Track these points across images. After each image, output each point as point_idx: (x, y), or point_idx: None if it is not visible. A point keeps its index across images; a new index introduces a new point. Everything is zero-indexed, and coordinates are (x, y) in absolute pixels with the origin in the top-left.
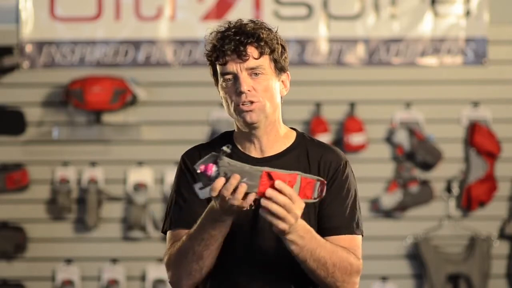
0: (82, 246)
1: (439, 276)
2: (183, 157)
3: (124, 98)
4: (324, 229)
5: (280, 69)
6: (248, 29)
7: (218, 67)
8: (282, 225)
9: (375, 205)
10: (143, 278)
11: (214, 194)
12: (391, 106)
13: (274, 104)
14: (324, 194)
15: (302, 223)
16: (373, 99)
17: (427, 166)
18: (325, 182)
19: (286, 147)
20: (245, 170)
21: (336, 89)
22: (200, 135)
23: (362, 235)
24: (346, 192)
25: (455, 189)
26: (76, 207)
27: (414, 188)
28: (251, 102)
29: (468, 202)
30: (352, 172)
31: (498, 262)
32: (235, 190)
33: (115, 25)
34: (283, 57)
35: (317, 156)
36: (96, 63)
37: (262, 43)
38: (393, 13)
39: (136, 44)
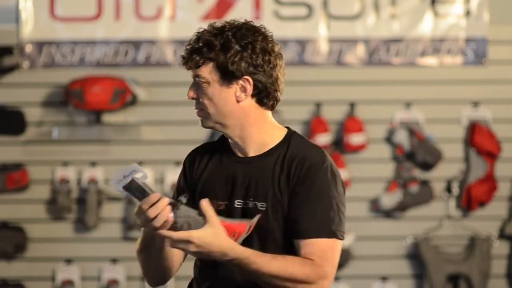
0: (82, 246)
1: (439, 276)
2: (185, 158)
3: (124, 98)
4: (292, 231)
5: (229, 75)
6: (202, 36)
7: None
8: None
9: (375, 205)
10: (143, 278)
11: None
12: (391, 106)
13: (222, 112)
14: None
15: (236, 254)
16: (373, 99)
17: (427, 166)
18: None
19: (269, 148)
20: (199, 221)
21: (336, 89)
22: (200, 135)
23: (340, 239)
24: (318, 194)
25: (455, 189)
26: (76, 207)
27: (414, 188)
28: (199, 110)
29: (468, 202)
30: (334, 174)
31: (498, 262)
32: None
33: (115, 25)
34: (238, 61)
35: (294, 155)
36: (96, 63)
37: (204, 50)
38: (393, 13)
39: (136, 44)
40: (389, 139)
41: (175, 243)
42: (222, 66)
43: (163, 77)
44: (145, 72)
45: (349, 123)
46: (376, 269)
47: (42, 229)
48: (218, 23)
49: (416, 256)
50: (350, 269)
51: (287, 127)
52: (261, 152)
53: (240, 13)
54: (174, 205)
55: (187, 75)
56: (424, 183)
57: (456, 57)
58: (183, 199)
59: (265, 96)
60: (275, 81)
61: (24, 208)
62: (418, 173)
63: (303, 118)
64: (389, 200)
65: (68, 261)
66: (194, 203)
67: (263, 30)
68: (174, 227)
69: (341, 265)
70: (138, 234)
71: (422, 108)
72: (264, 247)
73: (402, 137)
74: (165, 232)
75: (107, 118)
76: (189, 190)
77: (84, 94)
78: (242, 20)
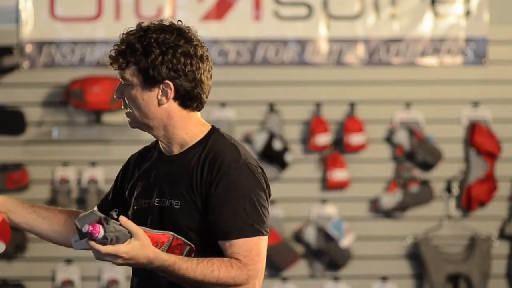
0: None
1: (439, 276)
2: (129, 157)
3: None
4: (214, 234)
5: (151, 79)
6: (126, 38)
7: None
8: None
9: (375, 205)
10: None
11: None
12: (391, 106)
13: (144, 113)
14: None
15: (162, 262)
16: (373, 99)
17: (427, 166)
18: (194, 249)
19: (188, 147)
20: (126, 234)
21: (336, 89)
22: None
23: (264, 235)
24: (235, 193)
25: (455, 189)
26: (76, 207)
27: (414, 188)
28: (126, 110)
29: (468, 202)
30: (252, 170)
31: (498, 262)
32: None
33: (115, 25)
34: (158, 67)
35: (209, 153)
36: (96, 63)
37: (127, 53)
38: (393, 13)
39: None
40: (389, 139)
41: (103, 256)
42: (143, 70)
43: None
44: None
45: (349, 123)
46: (376, 269)
47: None
48: (146, 23)
49: (416, 256)
50: (350, 269)
51: (212, 126)
52: (180, 151)
53: (240, 13)
54: (105, 220)
55: None
56: (424, 183)
57: (456, 57)
58: (114, 214)
59: (188, 99)
60: (199, 84)
61: None
62: (418, 173)
63: (303, 118)
64: (389, 200)
65: (68, 261)
66: (127, 202)
67: (187, 32)
68: (103, 242)
69: (341, 265)
70: None
71: (422, 108)
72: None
73: (402, 137)
74: (94, 245)
75: (107, 118)
76: (117, 194)
77: (84, 94)
78: (168, 22)
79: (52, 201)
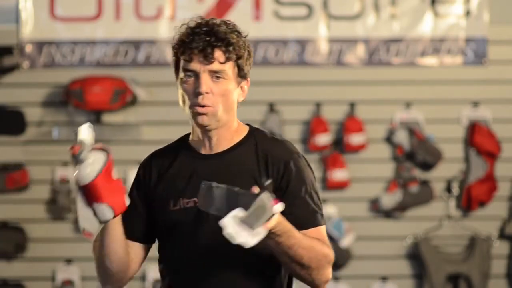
0: (82, 246)
1: (439, 276)
2: (139, 166)
3: (124, 98)
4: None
5: (242, 76)
6: (220, 31)
7: (182, 62)
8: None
9: (375, 205)
10: (143, 278)
11: None
12: (391, 106)
13: (227, 109)
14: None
15: (282, 221)
16: (373, 99)
17: (427, 166)
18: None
19: (235, 143)
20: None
21: (336, 89)
22: None
23: (325, 223)
24: (302, 186)
25: (455, 189)
26: (76, 207)
27: (414, 188)
28: (206, 106)
29: (468, 202)
30: (305, 161)
31: (498, 262)
32: None
33: (115, 25)
34: (248, 64)
35: (265, 150)
36: (96, 63)
37: (230, 49)
38: (393, 13)
39: (136, 44)
40: (389, 139)
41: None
42: (239, 66)
43: (163, 77)
44: (145, 72)
45: (349, 123)
46: (376, 269)
47: (42, 229)
48: (217, 20)
49: (416, 256)
50: (350, 269)
51: (248, 124)
52: (227, 148)
53: (240, 13)
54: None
55: None
56: (424, 183)
57: (456, 57)
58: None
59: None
60: None
61: (24, 208)
62: (418, 173)
63: (303, 118)
64: (389, 200)
65: (68, 261)
66: (155, 208)
67: None
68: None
69: (341, 265)
70: None
71: (422, 108)
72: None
73: (402, 137)
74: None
75: (107, 118)
76: (142, 199)
77: (84, 94)
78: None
79: (52, 201)
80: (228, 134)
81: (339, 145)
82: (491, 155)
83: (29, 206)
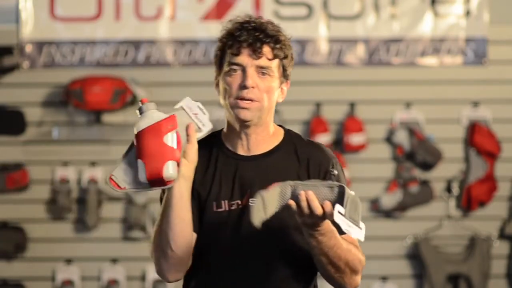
0: (82, 246)
1: (439, 276)
2: None
3: (124, 98)
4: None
5: (285, 76)
6: (269, 29)
7: (228, 55)
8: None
9: (375, 205)
10: (143, 278)
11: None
12: (391, 106)
13: (270, 106)
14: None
15: (327, 222)
16: (373, 99)
17: (427, 166)
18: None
19: (274, 146)
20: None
21: (336, 89)
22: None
23: None
24: None
25: (455, 189)
26: (76, 207)
27: (414, 188)
28: (251, 100)
29: (468, 202)
30: (340, 166)
31: (498, 262)
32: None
33: (115, 25)
34: (290, 65)
35: (305, 155)
36: (96, 63)
37: (278, 46)
38: (393, 13)
39: (136, 44)
40: (389, 139)
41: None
42: (284, 66)
43: (163, 77)
44: (145, 72)
45: (349, 123)
46: (376, 269)
47: (42, 229)
48: (264, 19)
49: (416, 256)
50: None
51: (280, 125)
52: (267, 150)
53: (240, 13)
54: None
55: (187, 75)
56: (424, 183)
57: (456, 57)
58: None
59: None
60: None
61: (24, 208)
62: (418, 173)
63: (303, 118)
64: (389, 200)
65: (68, 261)
66: (200, 205)
67: None
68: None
69: None
70: (138, 234)
71: (422, 108)
72: (287, 240)
73: (402, 137)
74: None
75: (107, 118)
76: (193, 191)
77: (84, 94)
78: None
79: (52, 201)
80: (266, 134)
81: (339, 145)
82: (491, 155)
83: (29, 206)
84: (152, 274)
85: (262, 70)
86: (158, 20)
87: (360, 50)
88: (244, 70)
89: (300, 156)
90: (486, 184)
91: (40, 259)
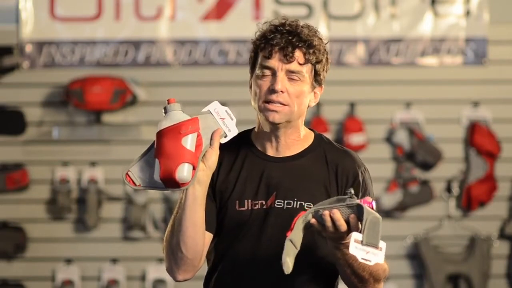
0: (82, 246)
1: (439, 276)
2: None
3: (124, 98)
4: None
5: (317, 81)
6: (303, 33)
7: (260, 58)
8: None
9: None
10: (143, 278)
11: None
12: (391, 106)
13: (300, 111)
14: None
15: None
16: (373, 99)
17: (427, 166)
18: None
19: (304, 149)
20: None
21: (336, 89)
22: None
23: None
24: (370, 195)
25: (455, 189)
26: (76, 207)
27: (414, 188)
28: (280, 104)
29: (468, 202)
30: (369, 174)
31: (498, 262)
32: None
33: (115, 25)
34: (325, 70)
35: (334, 161)
36: (96, 63)
37: (311, 51)
38: (393, 13)
39: (136, 44)
40: (389, 139)
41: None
42: (316, 71)
43: (163, 77)
44: (145, 72)
45: (349, 123)
46: None
47: (42, 229)
48: (301, 22)
49: (416, 256)
50: None
51: (310, 129)
52: (296, 153)
53: (240, 13)
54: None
55: (187, 75)
56: (424, 183)
57: (456, 57)
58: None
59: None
60: None
61: (24, 208)
62: (418, 173)
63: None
64: (389, 200)
65: (68, 261)
66: (221, 205)
67: None
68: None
69: None
70: (138, 234)
71: (422, 108)
72: (310, 243)
73: (402, 137)
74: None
75: (107, 118)
76: (212, 191)
77: (84, 94)
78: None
79: (52, 201)
80: (296, 137)
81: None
82: (491, 155)
83: (29, 206)
84: (152, 274)
85: (292, 75)
86: (158, 20)
87: (360, 50)
88: (274, 73)
89: (329, 162)
90: (486, 184)
91: (40, 259)
